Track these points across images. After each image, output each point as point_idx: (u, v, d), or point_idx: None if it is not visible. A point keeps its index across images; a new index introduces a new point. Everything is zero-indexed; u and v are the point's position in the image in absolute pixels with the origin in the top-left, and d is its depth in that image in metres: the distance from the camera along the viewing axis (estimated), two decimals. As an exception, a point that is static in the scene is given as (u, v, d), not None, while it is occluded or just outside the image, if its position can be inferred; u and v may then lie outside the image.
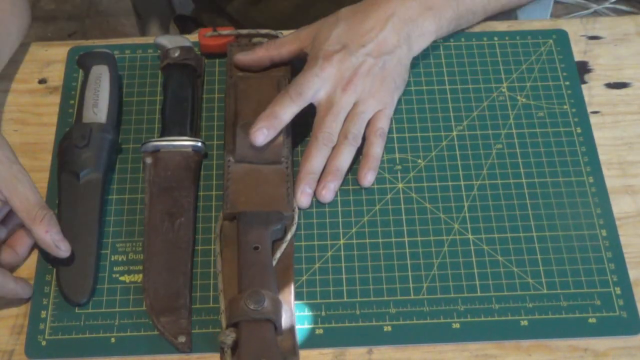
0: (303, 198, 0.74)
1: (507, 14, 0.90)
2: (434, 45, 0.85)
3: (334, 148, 0.75)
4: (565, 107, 0.81)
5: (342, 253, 0.73)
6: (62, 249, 0.70)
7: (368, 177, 0.75)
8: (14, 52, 0.84)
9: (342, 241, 0.74)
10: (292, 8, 0.98)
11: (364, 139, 0.77)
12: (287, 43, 0.81)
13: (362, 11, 0.79)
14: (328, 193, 0.75)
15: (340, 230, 0.74)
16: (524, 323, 0.69)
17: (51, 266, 0.72)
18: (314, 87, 0.75)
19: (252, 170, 0.75)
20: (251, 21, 0.97)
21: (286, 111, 0.74)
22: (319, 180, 0.75)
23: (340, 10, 0.80)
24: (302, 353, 0.68)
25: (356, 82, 0.76)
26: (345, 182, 0.77)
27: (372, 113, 0.77)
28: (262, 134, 0.73)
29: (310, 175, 0.75)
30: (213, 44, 0.84)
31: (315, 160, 0.75)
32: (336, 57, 0.76)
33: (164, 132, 0.78)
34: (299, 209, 0.74)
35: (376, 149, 0.76)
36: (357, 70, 0.76)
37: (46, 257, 0.73)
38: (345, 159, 0.75)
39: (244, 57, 0.81)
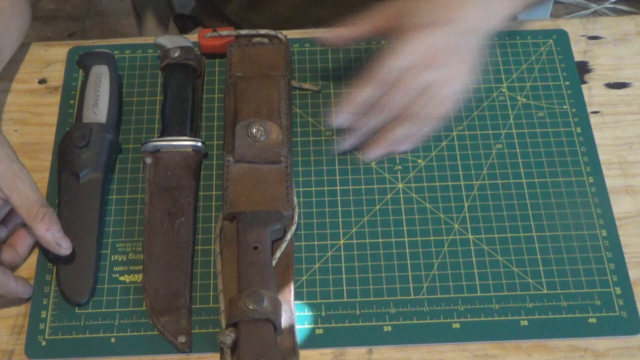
0: (338, 123, 0.75)
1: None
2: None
3: (396, 119, 0.75)
4: (565, 107, 0.81)
5: (342, 253, 0.73)
6: (64, 247, 0.70)
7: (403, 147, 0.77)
8: (14, 51, 0.84)
9: (342, 241, 0.74)
10: (289, 11, 0.98)
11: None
12: (372, 21, 0.78)
13: None
14: (377, 154, 0.77)
15: (340, 230, 0.74)
16: (524, 323, 0.69)
17: (52, 265, 0.72)
18: (401, 63, 0.73)
19: (251, 170, 0.75)
20: (248, 23, 0.96)
21: (364, 94, 0.74)
22: (371, 141, 0.76)
23: None
24: (302, 353, 0.68)
25: (440, 60, 0.74)
26: (344, 182, 0.77)
27: (449, 91, 0.75)
28: (345, 120, 0.75)
29: (363, 129, 0.76)
30: (213, 44, 0.84)
31: (365, 95, 0.74)
32: (424, 33, 0.74)
33: (164, 132, 0.78)
34: (335, 126, 0.76)
35: (428, 129, 0.77)
36: (443, 49, 0.74)
37: (47, 255, 0.73)
38: (406, 130, 0.76)
39: (332, 38, 0.79)
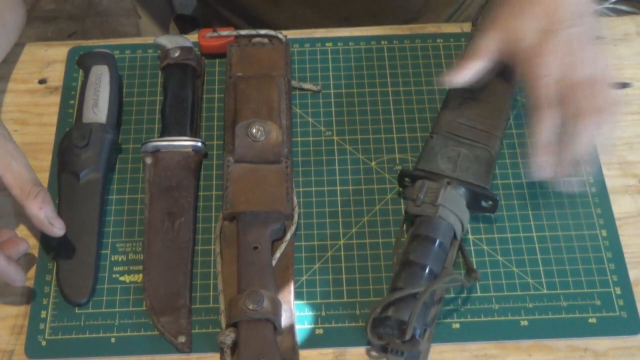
0: (541, 169, 0.69)
1: None
2: (434, 45, 0.85)
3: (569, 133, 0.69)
4: (565, 107, 0.81)
5: (342, 253, 0.73)
6: (57, 227, 0.69)
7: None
8: (11, 47, 0.84)
9: (342, 241, 0.74)
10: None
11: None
12: (484, 51, 0.73)
13: None
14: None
15: (340, 230, 0.74)
16: (524, 323, 0.69)
17: (52, 265, 0.72)
18: (548, 87, 0.70)
19: (251, 170, 0.75)
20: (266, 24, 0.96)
21: (547, 124, 0.69)
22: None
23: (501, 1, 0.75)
24: (302, 353, 0.68)
25: (577, 56, 0.70)
26: (344, 182, 0.77)
27: (601, 76, 0.70)
28: (547, 165, 0.69)
29: (544, 145, 0.69)
30: (213, 44, 0.84)
31: (546, 133, 0.69)
32: (545, 48, 0.70)
33: (164, 132, 0.78)
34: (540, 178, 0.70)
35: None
36: (570, 45, 0.70)
37: (47, 247, 0.73)
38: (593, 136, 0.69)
39: (461, 76, 0.74)
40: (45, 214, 0.68)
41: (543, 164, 0.69)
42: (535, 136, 0.69)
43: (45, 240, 0.74)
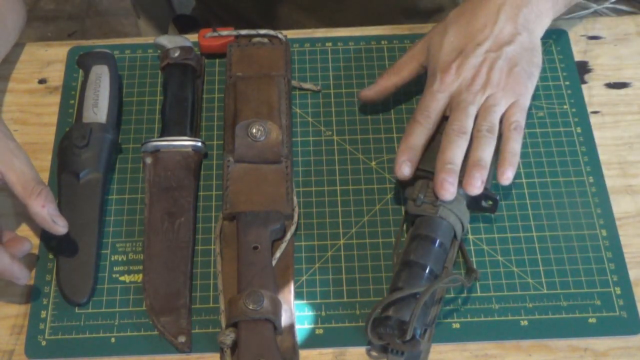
0: (444, 189, 0.68)
1: None
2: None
3: (470, 143, 0.71)
4: (565, 107, 0.81)
5: (342, 253, 0.73)
6: (60, 224, 0.69)
7: (507, 174, 0.70)
8: (11, 47, 0.84)
9: (342, 241, 0.74)
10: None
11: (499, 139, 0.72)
12: (404, 64, 0.79)
13: (470, 10, 0.76)
14: (474, 184, 0.69)
15: (340, 230, 0.74)
16: (524, 323, 0.69)
17: (52, 265, 0.72)
18: (439, 104, 0.73)
19: (251, 170, 0.75)
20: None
21: (420, 137, 0.72)
22: (462, 173, 0.70)
23: (448, 15, 0.78)
24: (302, 353, 0.68)
25: (480, 80, 0.72)
26: (344, 182, 0.77)
27: (505, 106, 0.72)
28: (406, 166, 0.71)
29: (448, 166, 0.69)
30: (213, 44, 0.84)
31: (451, 151, 0.70)
32: (454, 65, 0.73)
33: (164, 132, 0.78)
34: (442, 200, 0.69)
35: (512, 144, 0.71)
36: (478, 69, 0.73)
37: (47, 247, 0.73)
38: (485, 150, 0.70)
39: (369, 92, 0.79)
40: (48, 212, 0.68)
41: (401, 165, 0.71)
42: (403, 138, 0.72)
43: (46, 240, 0.74)
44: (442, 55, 0.75)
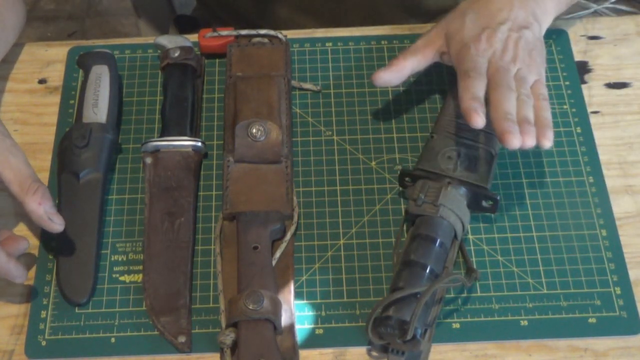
0: (511, 134, 0.67)
1: None
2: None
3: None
4: (565, 107, 0.81)
5: (342, 253, 0.73)
6: (56, 222, 0.68)
7: (548, 135, 0.69)
8: (10, 47, 0.84)
9: (342, 241, 0.74)
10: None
11: None
12: (421, 48, 0.78)
13: None
14: (529, 139, 0.68)
15: (340, 230, 0.74)
16: (524, 323, 0.69)
17: (52, 265, 0.72)
18: (482, 65, 0.72)
19: (251, 170, 0.75)
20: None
21: (479, 88, 0.71)
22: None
23: (459, 5, 0.78)
24: (302, 353, 0.68)
25: (509, 53, 0.73)
26: (344, 182, 0.77)
27: (532, 81, 0.73)
28: (478, 114, 0.69)
29: (509, 116, 0.69)
30: (213, 44, 0.84)
31: (508, 103, 0.69)
32: (483, 37, 0.73)
33: (164, 132, 0.78)
34: (508, 148, 0.68)
35: (545, 112, 0.71)
36: (506, 43, 0.73)
37: (47, 247, 0.73)
38: (529, 111, 0.70)
39: (384, 73, 0.77)
40: (44, 210, 0.67)
41: (472, 112, 0.69)
42: (462, 93, 0.70)
43: (46, 240, 0.74)
44: (467, 32, 0.74)
